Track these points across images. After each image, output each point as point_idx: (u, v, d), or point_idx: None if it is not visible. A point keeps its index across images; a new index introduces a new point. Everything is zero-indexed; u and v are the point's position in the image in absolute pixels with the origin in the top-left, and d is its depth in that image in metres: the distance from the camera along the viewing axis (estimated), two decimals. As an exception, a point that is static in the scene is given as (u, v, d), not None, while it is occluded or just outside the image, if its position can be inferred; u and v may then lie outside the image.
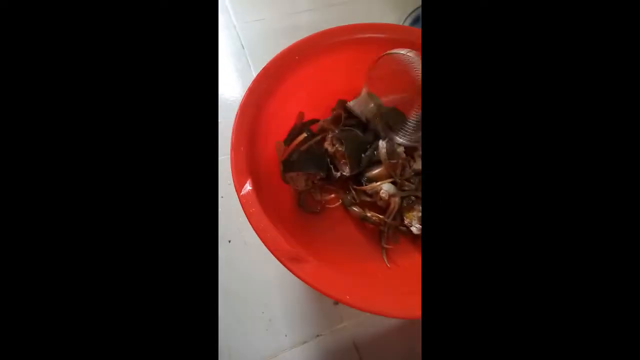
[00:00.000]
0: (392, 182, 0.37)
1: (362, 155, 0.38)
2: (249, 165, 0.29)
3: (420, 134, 0.37)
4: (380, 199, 0.37)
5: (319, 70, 0.38)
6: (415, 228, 0.36)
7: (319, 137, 0.39)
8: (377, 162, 0.38)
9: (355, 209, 0.38)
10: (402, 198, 0.37)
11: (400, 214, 0.37)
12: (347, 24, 0.39)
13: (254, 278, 0.39)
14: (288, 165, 0.37)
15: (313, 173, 0.38)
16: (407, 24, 0.55)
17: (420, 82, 0.34)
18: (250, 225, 0.27)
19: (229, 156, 0.29)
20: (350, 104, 0.39)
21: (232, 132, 0.30)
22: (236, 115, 0.31)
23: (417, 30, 0.40)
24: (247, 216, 0.27)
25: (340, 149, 0.37)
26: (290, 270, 0.25)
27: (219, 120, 0.47)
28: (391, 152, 0.37)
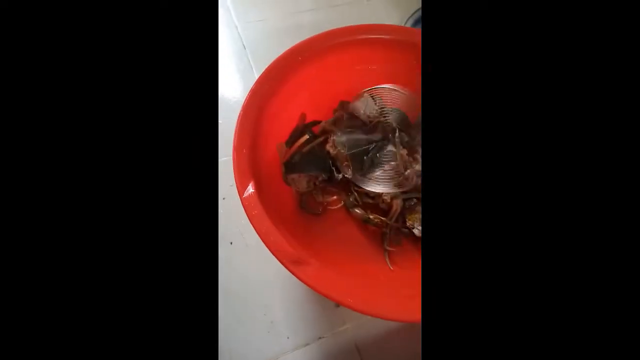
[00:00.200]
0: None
1: (364, 157, 0.38)
2: (251, 167, 0.29)
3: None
4: (383, 201, 0.36)
5: (321, 71, 0.38)
6: (418, 230, 0.36)
7: (320, 139, 0.39)
8: (379, 164, 0.38)
9: (358, 211, 0.37)
10: (405, 200, 0.37)
11: (402, 216, 0.37)
12: (350, 24, 0.39)
13: (255, 280, 0.38)
14: (290, 167, 0.37)
15: (315, 175, 0.38)
16: (409, 24, 0.55)
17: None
18: (252, 227, 0.27)
19: (231, 158, 0.29)
20: (353, 105, 0.39)
21: (235, 134, 0.30)
22: (238, 117, 0.31)
23: (420, 32, 0.40)
24: (249, 218, 0.27)
25: (342, 150, 0.37)
26: (293, 273, 0.25)
27: (220, 121, 0.47)
28: (393, 154, 0.37)
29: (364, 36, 0.39)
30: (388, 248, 0.36)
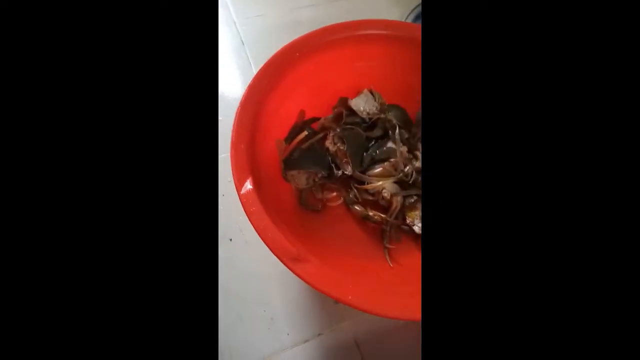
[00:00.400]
0: (395, 181, 0.37)
1: (364, 153, 0.38)
2: (249, 163, 0.29)
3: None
4: (382, 198, 0.36)
5: (320, 67, 0.38)
6: (418, 227, 0.35)
7: (320, 136, 0.39)
8: (379, 161, 0.37)
9: (357, 208, 0.37)
10: (405, 197, 0.36)
11: (402, 213, 0.37)
12: (349, 19, 0.39)
13: (255, 276, 0.38)
14: (289, 163, 0.37)
15: (314, 171, 0.38)
16: (409, 20, 0.54)
17: None
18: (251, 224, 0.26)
19: (229, 154, 0.29)
20: (352, 101, 0.39)
21: (232, 130, 0.30)
22: (236, 113, 0.31)
23: (420, 27, 0.40)
24: (247, 215, 0.27)
25: (341, 147, 0.37)
26: (292, 270, 0.25)
27: (219, 118, 0.46)
28: (392, 151, 0.37)
29: (363, 32, 0.39)
30: (388, 245, 0.36)
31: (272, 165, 0.36)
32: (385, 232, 0.36)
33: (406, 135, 0.39)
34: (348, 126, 0.39)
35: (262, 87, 0.33)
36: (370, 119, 0.39)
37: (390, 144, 0.38)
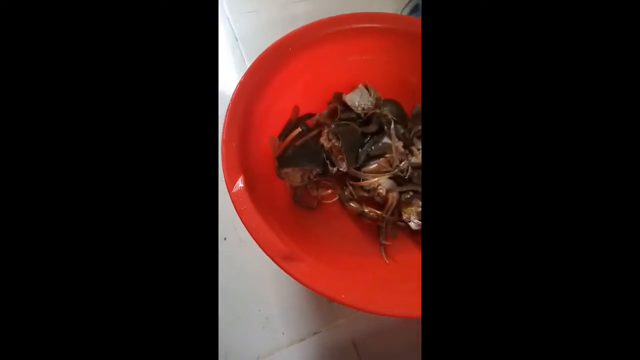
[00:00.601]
0: (391, 177, 0.36)
1: (359, 150, 0.37)
2: (241, 161, 0.29)
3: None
4: (378, 194, 0.36)
5: (314, 62, 0.37)
6: (414, 223, 0.35)
7: (314, 132, 0.38)
8: (375, 157, 0.37)
9: (353, 205, 0.37)
10: (400, 193, 0.36)
11: (398, 209, 0.36)
12: (345, 13, 0.38)
13: (249, 275, 0.38)
14: (283, 160, 0.36)
15: (309, 168, 0.37)
16: (405, 13, 0.53)
17: None
18: (243, 223, 0.26)
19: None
20: (347, 97, 0.38)
21: (223, 127, 0.29)
22: (227, 110, 0.30)
23: (416, 20, 0.39)
24: (238, 214, 0.26)
25: (336, 144, 0.36)
26: (284, 269, 0.25)
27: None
28: (388, 147, 0.36)
29: (358, 25, 0.38)
30: (384, 242, 0.35)
31: (265, 162, 0.36)
32: (381, 228, 0.36)
33: (402, 130, 0.38)
34: (343, 122, 0.38)
35: (254, 83, 0.33)
36: (365, 114, 0.38)
37: (385, 140, 0.37)
